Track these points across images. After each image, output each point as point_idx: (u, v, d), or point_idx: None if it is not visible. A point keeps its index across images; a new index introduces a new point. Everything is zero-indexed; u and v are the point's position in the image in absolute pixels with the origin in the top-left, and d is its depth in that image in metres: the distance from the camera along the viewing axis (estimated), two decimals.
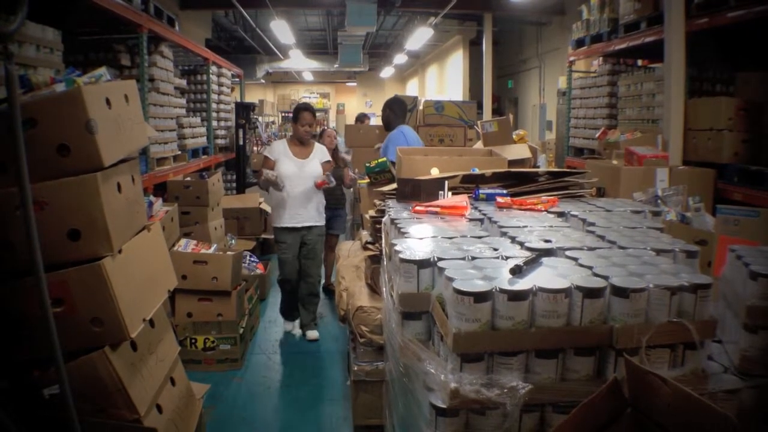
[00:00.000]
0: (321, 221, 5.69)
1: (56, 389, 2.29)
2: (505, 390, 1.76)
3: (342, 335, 5.60)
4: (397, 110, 6.11)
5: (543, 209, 3.01)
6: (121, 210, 2.59)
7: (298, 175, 5.46)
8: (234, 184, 10.60)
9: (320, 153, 5.63)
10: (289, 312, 5.99)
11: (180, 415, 2.98)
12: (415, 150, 5.06)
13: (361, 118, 9.68)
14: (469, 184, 3.42)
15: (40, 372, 2.49)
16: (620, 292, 1.81)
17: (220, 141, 9.97)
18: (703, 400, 1.48)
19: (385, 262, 2.81)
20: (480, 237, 2.44)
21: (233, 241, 7.11)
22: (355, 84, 31.30)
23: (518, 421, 1.83)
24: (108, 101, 2.53)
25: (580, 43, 8.86)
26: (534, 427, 1.87)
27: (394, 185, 3.55)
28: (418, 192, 3.26)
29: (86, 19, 6.05)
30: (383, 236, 3.08)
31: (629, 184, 4.96)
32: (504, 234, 2.52)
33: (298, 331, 5.93)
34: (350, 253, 4.63)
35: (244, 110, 10.93)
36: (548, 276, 1.91)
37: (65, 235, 2.38)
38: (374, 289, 3.69)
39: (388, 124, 6.10)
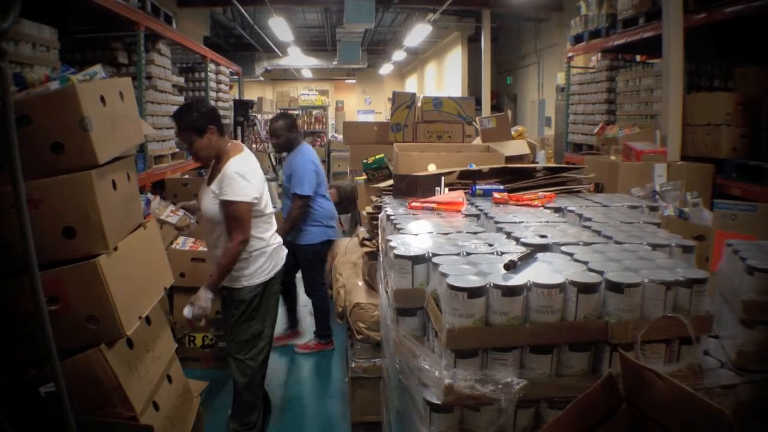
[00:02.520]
0: (235, 282, 3.57)
1: (52, 387, 2.29)
2: (500, 386, 1.75)
3: (340, 332, 5.60)
4: (294, 128, 5.44)
5: (539, 205, 3.00)
6: (117, 207, 2.59)
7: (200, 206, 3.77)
8: None
9: (220, 180, 3.48)
10: None
11: (177, 412, 2.98)
12: (413, 146, 5.06)
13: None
14: (467, 180, 3.42)
15: (36, 370, 2.49)
16: (615, 287, 1.81)
17: None
18: (698, 396, 1.47)
19: (381, 259, 2.81)
20: (475, 233, 2.44)
21: None
22: (354, 81, 31.27)
23: (513, 417, 1.83)
24: (102, 99, 2.52)
25: (578, 38, 8.85)
26: (529, 423, 1.87)
27: (391, 181, 3.55)
28: (414, 188, 3.25)
29: (83, 17, 6.05)
30: (380, 232, 3.08)
31: (627, 179, 4.96)
32: (500, 229, 2.51)
33: None
34: (347, 249, 4.63)
35: (243, 108, 10.92)
36: (543, 271, 1.90)
37: (60, 233, 2.38)
38: (371, 285, 3.69)
39: (291, 145, 5.37)
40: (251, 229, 3.50)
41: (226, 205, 3.42)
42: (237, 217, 3.43)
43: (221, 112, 9.93)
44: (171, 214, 3.98)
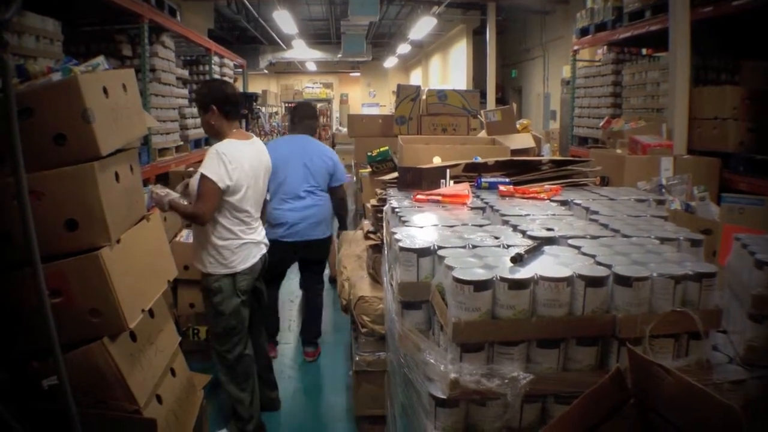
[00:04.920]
0: (202, 267, 3.66)
1: (55, 380, 2.27)
2: (506, 380, 1.73)
3: (344, 325, 5.58)
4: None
5: (546, 198, 2.98)
6: (119, 200, 2.57)
7: None
8: None
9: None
10: None
11: (180, 405, 2.97)
12: (418, 138, 5.03)
13: None
14: (472, 172, 3.39)
15: (38, 363, 2.47)
16: (623, 280, 1.78)
17: None
18: (707, 391, 1.45)
19: (386, 252, 2.79)
20: (481, 225, 2.41)
21: None
22: (358, 74, 31.23)
23: (519, 411, 1.81)
24: (105, 90, 2.50)
25: (584, 31, 8.80)
26: (535, 418, 1.85)
27: (396, 174, 3.52)
28: (419, 180, 3.23)
29: (87, 9, 6.02)
30: (384, 225, 3.06)
31: (633, 173, 4.93)
32: (506, 222, 2.49)
33: None
34: (352, 242, 4.61)
35: (247, 100, 10.89)
36: (550, 264, 1.88)
37: (63, 226, 2.36)
38: (376, 278, 3.67)
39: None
40: (219, 216, 3.54)
41: (199, 178, 3.46)
42: (200, 193, 3.46)
43: None
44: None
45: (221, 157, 3.44)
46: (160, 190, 3.50)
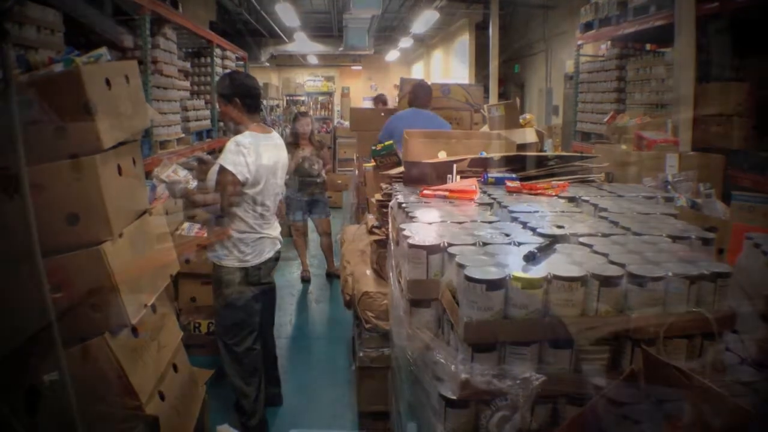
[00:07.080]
0: (215, 258, 3.68)
1: (56, 376, 2.24)
2: (518, 381, 1.70)
3: (347, 320, 5.56)
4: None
5: (553, 194, 2.93)
6: (122, 193, 2.54)
7: None
8: None
9: None
10: None
11: (182, 401, 2.94)
12: (422, 133, 4.99)
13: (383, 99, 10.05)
14: (477, 168, 3.35)
15: (39, 359, 2.44)
16: (638, 280, 1.75)
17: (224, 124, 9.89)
18: (723, 394, 1.42)
19: (392, 247, 2.75)
20: (490, 222, 2.37)
21: None
22: (360, 68, 31.13)
23: (530, 412, 1.78)
24: (108, 82, 2.47)
25: (588, 26, 8.77)
26: (547, 419, 1.81)
27: (401, 168, 3.48)
28: (425, 175, 3.19)
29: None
30: (390, 221, 3.02)
31: (639, 169, 4.90)
32: (515, 219, 2.45)
33: None
34: (355, 237, 4.57)
35: None
36: (563, 263, 1.84)
37: (64, 220, 2.33)
38: (380, 274, 3.63)
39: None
40: (238, 209, 3.56)
41: (218, 170, 3.48)
42: (218, 184, 3.48)
43: None
44: (172, 174, 3.92)
45: (240, 150, 3.44)
46: (181, 171, 3.61)
